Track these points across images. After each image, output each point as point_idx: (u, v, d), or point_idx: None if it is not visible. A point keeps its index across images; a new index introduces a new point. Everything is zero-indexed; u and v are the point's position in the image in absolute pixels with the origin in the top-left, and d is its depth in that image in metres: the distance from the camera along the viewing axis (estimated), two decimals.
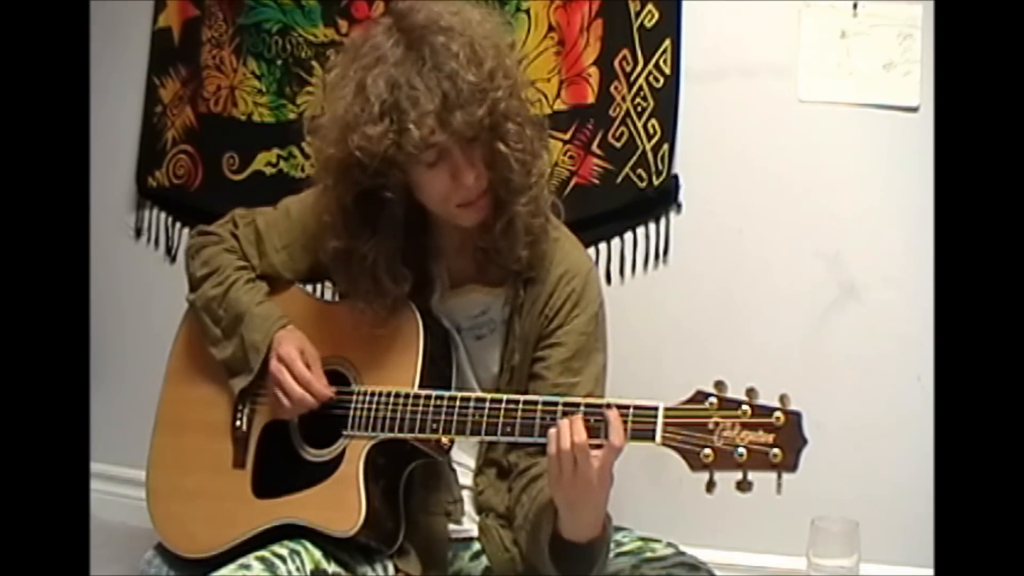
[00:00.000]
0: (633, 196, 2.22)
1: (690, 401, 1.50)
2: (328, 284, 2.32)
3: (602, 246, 2.25)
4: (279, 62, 2.49)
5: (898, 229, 2.12)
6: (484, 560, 1.76)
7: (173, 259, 2.61)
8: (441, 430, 1.62)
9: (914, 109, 2.10)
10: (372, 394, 1.67)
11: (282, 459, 1.73)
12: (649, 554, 1.68)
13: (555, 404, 1.56)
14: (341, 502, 1.64)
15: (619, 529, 1.75)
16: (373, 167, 1.61)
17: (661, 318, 2.24)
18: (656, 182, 2.20)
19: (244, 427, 1.77)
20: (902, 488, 2.06)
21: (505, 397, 1.60)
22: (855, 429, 2.10)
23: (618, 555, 1.69)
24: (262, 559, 1.58)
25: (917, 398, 2.05)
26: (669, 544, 1.70)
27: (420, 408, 1.63)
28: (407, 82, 1.56)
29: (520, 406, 1.58)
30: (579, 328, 1.74)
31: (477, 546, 1.77)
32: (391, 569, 1.71)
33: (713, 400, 1.48)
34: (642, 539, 1.73)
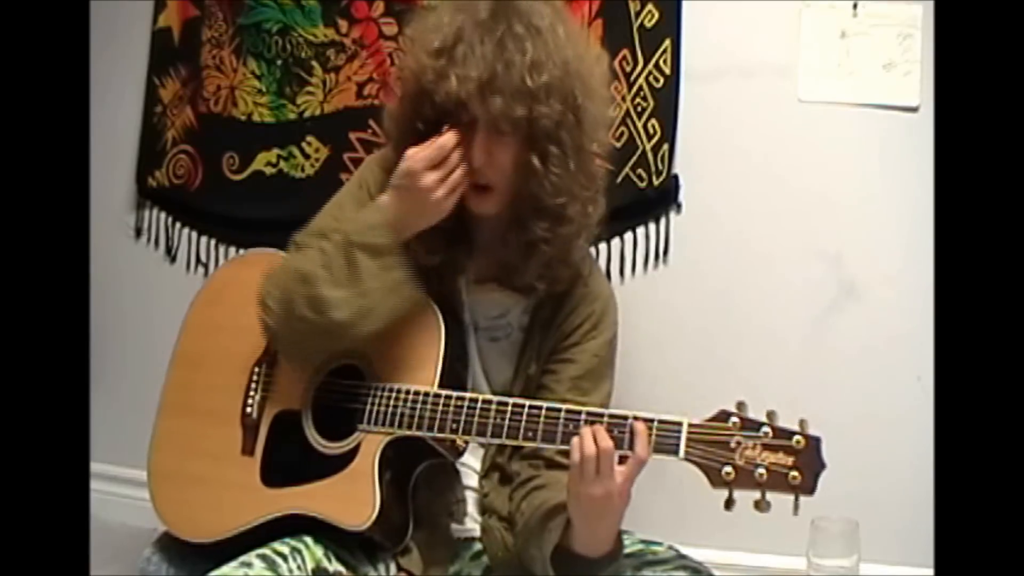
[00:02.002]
0: (633, 196, 2.22)
1: (713, 419, 1.52)
2: None
3: (602, 246, 2.24)
4: (279, 62, 2.49)
5: (898, 229, 2.12)
6: (485, 560, 1.76)
7: (173, 259, 2.61)
8: (461, 431, 1.62)
9: (914, 109, 2.10)
10: (391, 390, 1.66)
11: (293, 449, 1.72)
12: (650, 557, 1.68)
13: (578, 413, 1.56)
14: (354, 496, 1.63)
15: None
16: (419, 89, 1.64)
17: (661, 318, 2.24)
18: (656, 182, 2.20)
19: (255, 414, 1.76)
20: (902, 488, 2.06)
21: (528, 403, 1.60)
22: (855, 428, 2.09)
23: None
24: (263, 557, 1.58)
25: (917, 398, 2.05)
26: (670, 547, 1.70)
27: (440, 408, 1.63)
28: (471, 40, 1.59)
29: (543, 412, 1.58)
30: (593, 350, 1.75)
31: (479, 546, 1.77)
32: (393, 568, 1.71)
33: (735, 420, 1.51)
34: (643, 542, 1.73)
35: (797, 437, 1.49)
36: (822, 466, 1.48)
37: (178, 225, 2.61)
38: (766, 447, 1.49)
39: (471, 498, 1.79)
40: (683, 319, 2.23)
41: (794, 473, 1.48)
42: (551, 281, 1.72)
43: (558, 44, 1.63)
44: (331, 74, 2.43)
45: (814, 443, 1.49)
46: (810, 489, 1.48)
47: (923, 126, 2.07)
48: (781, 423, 1.51)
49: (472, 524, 1.78)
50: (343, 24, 2.43)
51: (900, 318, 2.11)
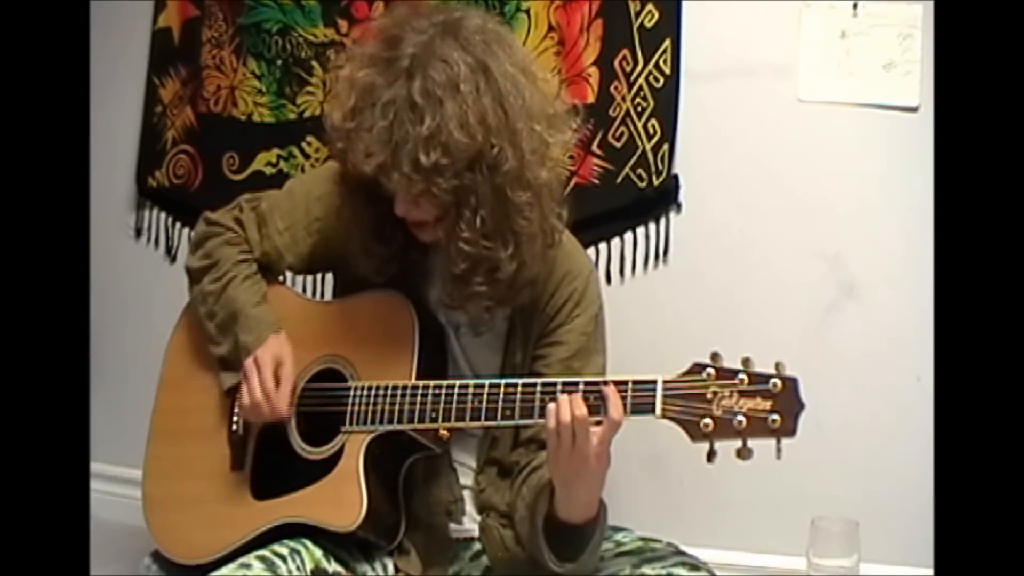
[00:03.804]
0: (633, 196, 2.22)
1: (688, 373, 1.52)
2: (325, 282, 2.33)
3: (602, 246, 2.25)
4: (279, 62, 2.49)
5: (898, 229, 2.12)
6: (484, 560, 1.76)
7: (173, 259, 2.61)
8: (440, 419, 1.62)
9: (914, 109, 2.10)
10: (369, 388, 1.67)
11: (281, 460, 1.73)
12: (649, 554, 1.68)
13: (553, 385, 1.57)
14: (342, 497, 1.64)
15: (619, 529, 1.75)
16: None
17: (661, 318, 2.24)
18: (656, 182, 2.20)
19: (241, 430, 1.77)
20: (902, 488, 2.06)
21: (503, 381, 1.60)
22: (855, 429, 2.10)
23: (618, 555, 1.69)
24: (262, 558, 1.58)
25: (917, 398, 2.05)
26: (669, 544, 1.70)
27: (418, 398, 1.63)
28: (373, 107, 1.57)
29: (519, 389, 1.58)
30: (579, 328, 1.75)
31: (478, 546, 1.77)
32: (391, 568, 1.71)
33: (710, 371, 1.50)
34: (642, 539, 1.73)
35: (774, 380, 1.47)
36: (801, 407, 1.46)
37: (178, 225, 2.61)
38: (743, 394, 1.48)
39: (469, 497, 1.79)
40: (683, 319, 2.23)
41: (774, 417, 1.46)
42: (512, 300, 1.70)
43: (469, 102, 1.55)
44: (331, 74, 2.43)
45: (791, 384, 1.47)
46: (791, 431, 1.46)
47: (923, 126, 2.07)
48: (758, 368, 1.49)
49: (471, 524, 1.78)
50: (343, 24, 2.43)
51: (900, 318, 2.10)
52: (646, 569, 1.64)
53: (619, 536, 1.74)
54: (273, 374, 1.70)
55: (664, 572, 1.63)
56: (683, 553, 1.68)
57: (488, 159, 1.58)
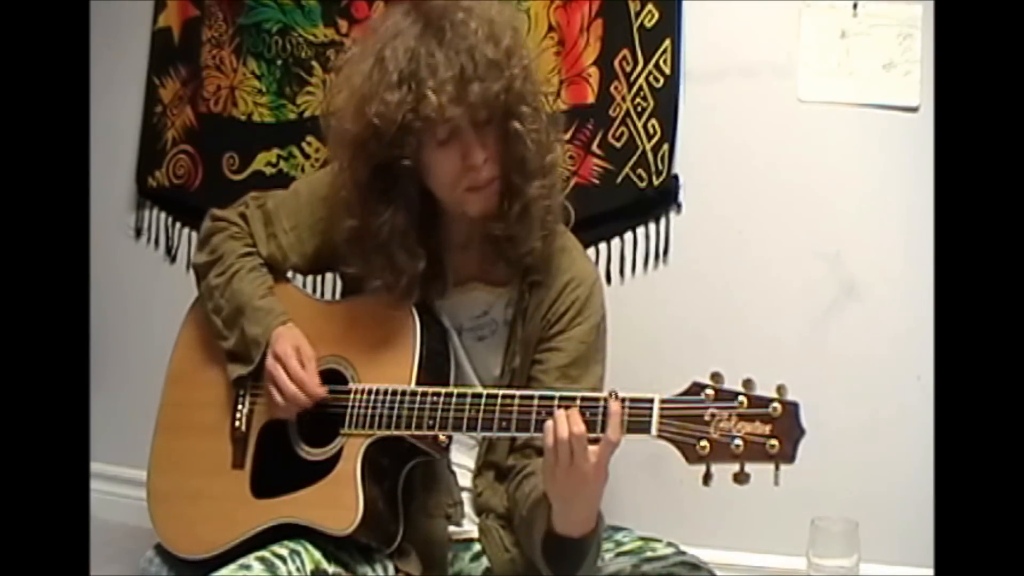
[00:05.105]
0: (633, 196, 2.22)
1: (686, 393, 1.49)
2: (326, 281, 2.33)
3: (602, 246, 2.24)
4: (279, 62, 2.49)
5: (898, 228, 2.12)
6: (485, 561, 1.76)
7: (173, 259, 2.61)
8: (438, 426, 1.62)
9: (914, 109, 2.10)
10: (369, 392, 1.67)
11: (281, 459, 1.73)
12: (650, 553, 1.68)
13: (552, 398, 1.55)
14: (338, 500, 1.64)
15: (619, 529, 1.75)
16: (389, 137, 1.62)
17: (661, 318, 2.24)
18: (656, 182, 2.20)
19: (243, 427, 1.77)
20: (902, 488, 2.06)
21: (501, 392, 1.60)
22: (855, 429, 2.10)
23: (618, 555, 1.69)
24: (262, 559, 1.58)
25: (917, 397, 2.05)
26: (670, 544, 1.70)
27: (417, 405, 1.63)
28: (426, 51, 1.59)
29: (516, 401, 1.57)
30: (579, 336, 1.75)
31: (477, 547, 1.77)
32: (391, 569, 1.71)
33: (709, 392, 1.47)
34: (643, 539, 1.73)
35: (774, 404, 1.44)
36: (801, 432, 1.43)
37: (178, 225, 2.61)
38: (742, 417, 1.44)
39: (468, 499, 1.79)
40: (683, 319, 2.23)
41: (772, 442, 1.43)
42: (544, 237, 1.72)
43: (489, 9, 1.65)
44: (331, 74, 2.43)
45: (792, 409, 1.44)
46: (789, 457, 1.43)
47: (923, 126, 2.07)
48: (759, 391, 1.46)
49: (470, 525, 1.78)
50: (343, 24, 2.43)
51: (900, 318, 2.11)
52: (646, 569, 1.64)
53: (619, 536, 1.73)
54: (298, 361, 1.70)
55: (664, 572, 1.63)
56: (683, 553, 1.68)
57: (523, 56, 1.66)
